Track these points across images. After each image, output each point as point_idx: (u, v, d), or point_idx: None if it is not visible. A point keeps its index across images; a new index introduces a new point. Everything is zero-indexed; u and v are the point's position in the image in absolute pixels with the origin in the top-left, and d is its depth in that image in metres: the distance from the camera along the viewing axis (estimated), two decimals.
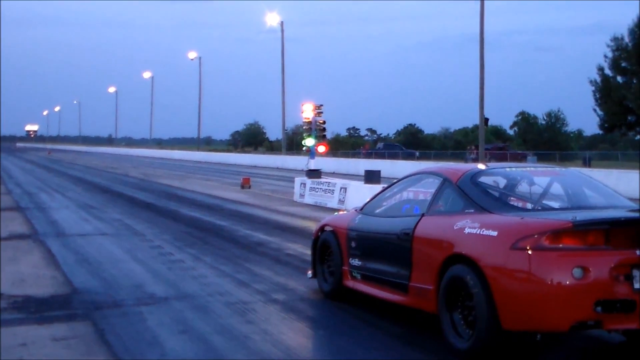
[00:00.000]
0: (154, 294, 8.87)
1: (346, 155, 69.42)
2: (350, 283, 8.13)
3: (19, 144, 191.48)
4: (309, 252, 9.76)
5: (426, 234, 6.75)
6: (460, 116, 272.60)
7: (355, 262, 8.01)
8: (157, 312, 7.93)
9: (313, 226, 14.46)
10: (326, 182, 21.91)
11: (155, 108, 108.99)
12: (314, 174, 23.27)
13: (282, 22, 60.55)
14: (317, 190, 22.04)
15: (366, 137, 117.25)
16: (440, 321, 6.43)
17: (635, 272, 5.54)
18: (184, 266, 10.89)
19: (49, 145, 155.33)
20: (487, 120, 43.01)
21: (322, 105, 27.80)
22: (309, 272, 9.17)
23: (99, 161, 65.17)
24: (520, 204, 6.60)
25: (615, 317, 5.52)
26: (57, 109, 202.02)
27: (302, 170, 32.00)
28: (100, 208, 20.06)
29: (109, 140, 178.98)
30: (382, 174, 22.62)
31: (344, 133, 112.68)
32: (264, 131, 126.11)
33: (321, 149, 27.37)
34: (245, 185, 28.55)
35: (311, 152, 26.86)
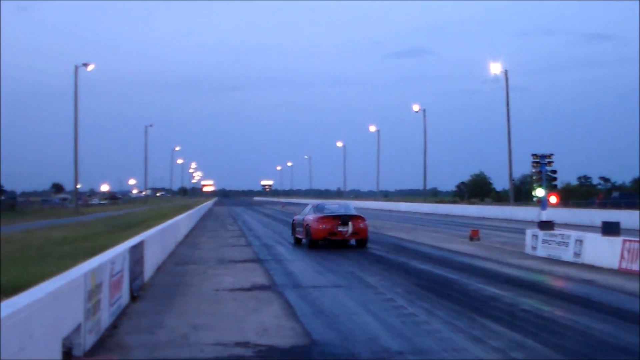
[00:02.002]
0: (389, 348, 8.89)
1: (578, 205, 66.12)
2: (296, 235, 26.56)
3: (256, 198, 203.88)
4: (546, 308, 11.83)
5: (306, 221, 24.84)
6: None
7: (297, 229, 26.55)
8: None
9: (548, 280, 16.47)
10: (560, 234, 20.93)
11: (382, 161, 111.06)
12: (546, 225, 22.35)
13: (505, 71, 59.61)
14: (550, 242, 21.13)
15: (599, 186, 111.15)
16: (304, 242, 25.26)
17: (339, 227, 23.88)
18: (417, 320, 10.85)
19: (282, 199, 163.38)
20: None
21: (552, 154, 26.78)
22: (291, 235, 27.86)
23: None
24: (326, 211, 24.96)
25: (334, 237, 24.06)
26: (289, 164, 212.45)
27: (532, 221, 30.85)
28: (332, 260, 20.61)
29: (338, 193, 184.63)
30: (621, 226, 21.14)
31: (574, 182, 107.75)
32: (490, 181, 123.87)
33: (552, 199, 26.24)
34: (474, 237, 28.08)
35: (542, 203, 25.83)
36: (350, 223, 24.07)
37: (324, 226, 24.08)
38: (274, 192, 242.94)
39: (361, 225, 24.27)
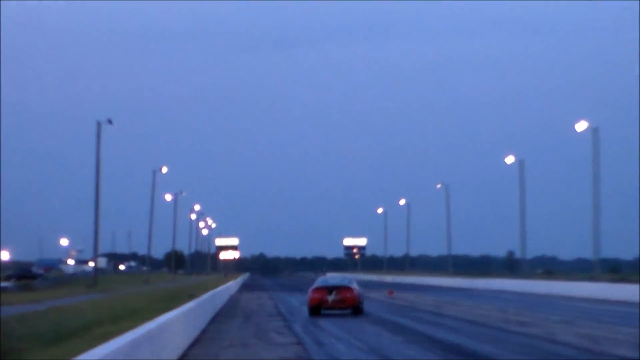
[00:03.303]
0: None
1: None
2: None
3: (331, 275, 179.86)
4: None
5: (311, 289, 70.46)
6: None
7: None
8: None
9: None
10: None
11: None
12: None
13: None
14: None
15: None
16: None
17: (327, 296, 65.01)
18: None
19: (388, 277, 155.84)
20: None
21: None
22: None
23: (489, 308, 66.22)
24: (324, 283, 71.60)
25: (325, 305, 65.19)
26: (402, 202, 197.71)
27: None
28: None
29: (509, 264, 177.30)
30: None
31: None
32: None
33: None
34: None
35: None
36: (334, 292, 54.57)
37: (317, 295, 55.12)
38: (369, 261, 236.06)
39: (348, 295, 55.18)
